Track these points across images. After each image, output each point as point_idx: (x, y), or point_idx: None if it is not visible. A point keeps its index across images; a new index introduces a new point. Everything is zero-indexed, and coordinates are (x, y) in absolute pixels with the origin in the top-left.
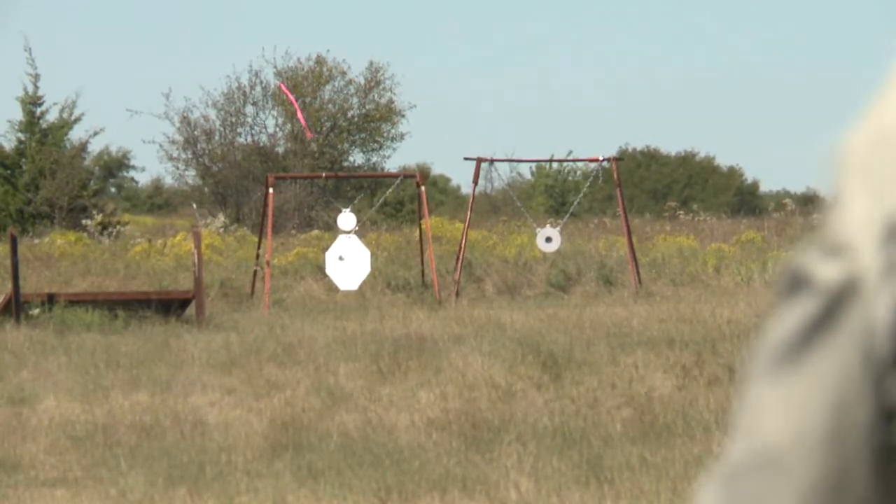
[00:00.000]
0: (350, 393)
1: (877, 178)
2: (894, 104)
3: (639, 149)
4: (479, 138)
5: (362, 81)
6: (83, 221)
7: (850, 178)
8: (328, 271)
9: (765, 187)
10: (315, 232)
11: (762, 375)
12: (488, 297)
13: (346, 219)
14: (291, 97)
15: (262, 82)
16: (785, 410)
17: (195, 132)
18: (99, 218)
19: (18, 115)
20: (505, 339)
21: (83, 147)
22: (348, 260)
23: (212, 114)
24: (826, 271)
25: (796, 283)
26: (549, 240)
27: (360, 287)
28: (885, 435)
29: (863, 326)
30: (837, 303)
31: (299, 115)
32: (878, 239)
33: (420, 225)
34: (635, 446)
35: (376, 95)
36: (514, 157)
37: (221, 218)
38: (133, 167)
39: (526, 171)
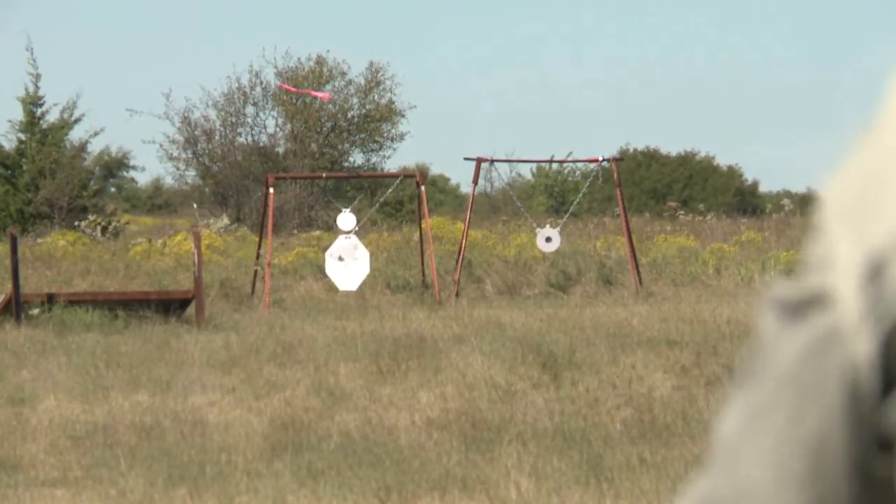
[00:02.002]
0: (350, 393)
1: (858, 220)
2: (875, 146)
3: (639, 149)
4: (479, 138)
5: (362, 82)
6: (77, 223)
7: (833, 220)
8: (328, 271)
9: (765, 187)
10: (315, 232)
11: (742, 409)
12: (488, 297)
13: (346, 219)
14: (293, 88)
15: (262, 82)
16: (765, 447)
17: (195, 132)
18: (98, 219)
19: (19, 114)
20: (505, 339)
21: (83, 147)
22: (348, 260)
23: (212, 114)
24: (809, 315)
25: (780, 319)
26: (548, 240)
27: (360, 287)
28: (880, 467)
29: (844, 367)
30: (819, 347)
31: (311, 92)
32: (858, 281)
33: (420, 225)
34: (635, 446)
35: (376, 96)
36: (514, 158)
37: (224, 219)
38: (133, 167)
39: (526, 171)
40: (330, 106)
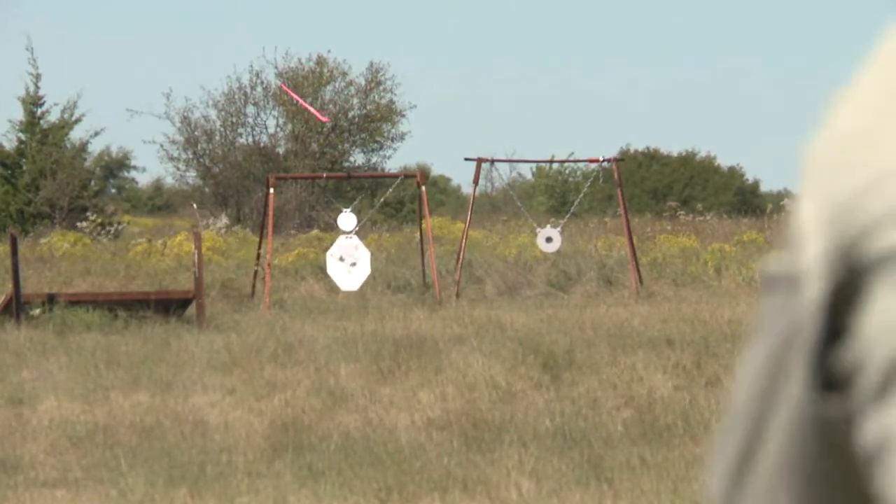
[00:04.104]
0: (351, 393)
1: (826, 179)
2: (847, 108)
3: (639, 149)
4: (480, 138)
5: (363, 82)
6: (78, 224)
7: (805, 181)
8: (329, 272)
9: (765, 187)
10: (315, 232)
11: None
12: (489, 297)
13: (347, 219)
14: (294, 95)
15: (262, 83)
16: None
17: (196, 132)
18: (98, 219)
19: (19, 114)
20: (505, 340)
21: (83, 147)
22: (349, 261)
23: (212, 114)
24: (782, 286)
25: (764, 291)
26: (549, 240)
27: (361, 287)
28: (825, 408)
29: (798, 312)
30: (787, 294)
31: (307, 106)
32: (820, 232)
33: (420, 225)
34: (636, 447)
35: (377, 96)
36: (515, 158)
37: (224, 219)
38: (134, 167)
39: (526, 171)
40: (330, 106)
